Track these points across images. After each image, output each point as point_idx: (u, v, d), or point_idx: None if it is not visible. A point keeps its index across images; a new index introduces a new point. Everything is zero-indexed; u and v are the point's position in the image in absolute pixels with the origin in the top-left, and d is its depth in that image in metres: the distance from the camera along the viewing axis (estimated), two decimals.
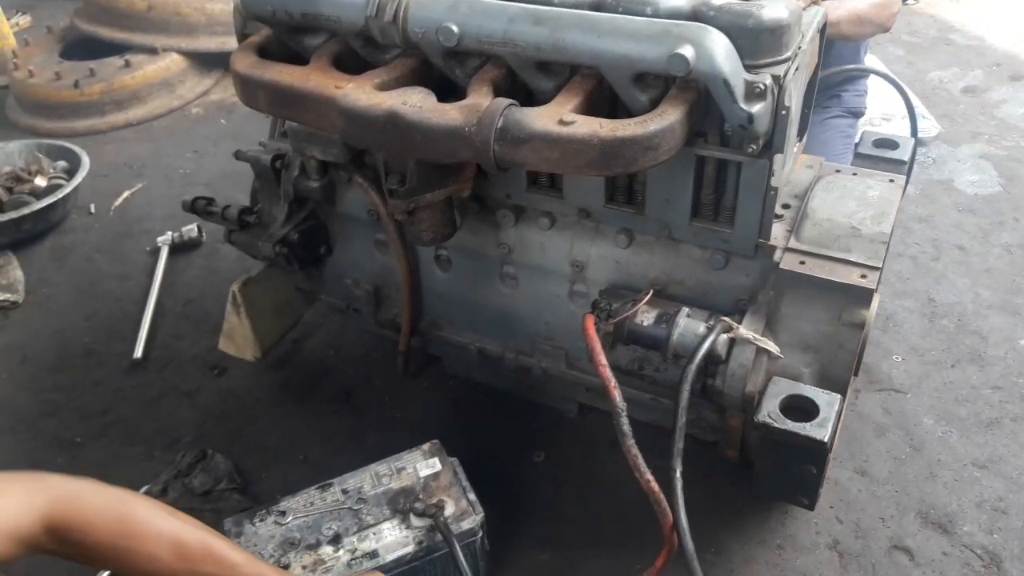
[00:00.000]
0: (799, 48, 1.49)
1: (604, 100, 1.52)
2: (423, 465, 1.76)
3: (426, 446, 1.80)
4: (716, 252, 1.70)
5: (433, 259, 2.04)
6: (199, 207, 2.08)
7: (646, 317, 1.61)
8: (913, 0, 4.14)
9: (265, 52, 1.74)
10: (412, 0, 1.53)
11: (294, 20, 1.66)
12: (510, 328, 2.03)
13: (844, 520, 1.91)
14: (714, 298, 1.73)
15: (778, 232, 1.65)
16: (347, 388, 2.37)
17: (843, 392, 1.54)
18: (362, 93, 1.52)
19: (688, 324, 1.59)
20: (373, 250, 2.09)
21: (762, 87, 1.38)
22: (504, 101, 1.43)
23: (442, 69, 1.60)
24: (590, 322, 1.56)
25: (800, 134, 1.83)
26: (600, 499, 1.98)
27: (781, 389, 1.48)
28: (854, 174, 1.77)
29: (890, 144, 2.03)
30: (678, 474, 1.42)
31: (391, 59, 1.65)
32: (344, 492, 1.72)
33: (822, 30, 1.70)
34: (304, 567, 1.59)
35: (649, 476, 1.39)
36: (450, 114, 1.44)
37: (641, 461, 1.40)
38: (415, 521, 1.65)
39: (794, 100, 1.54)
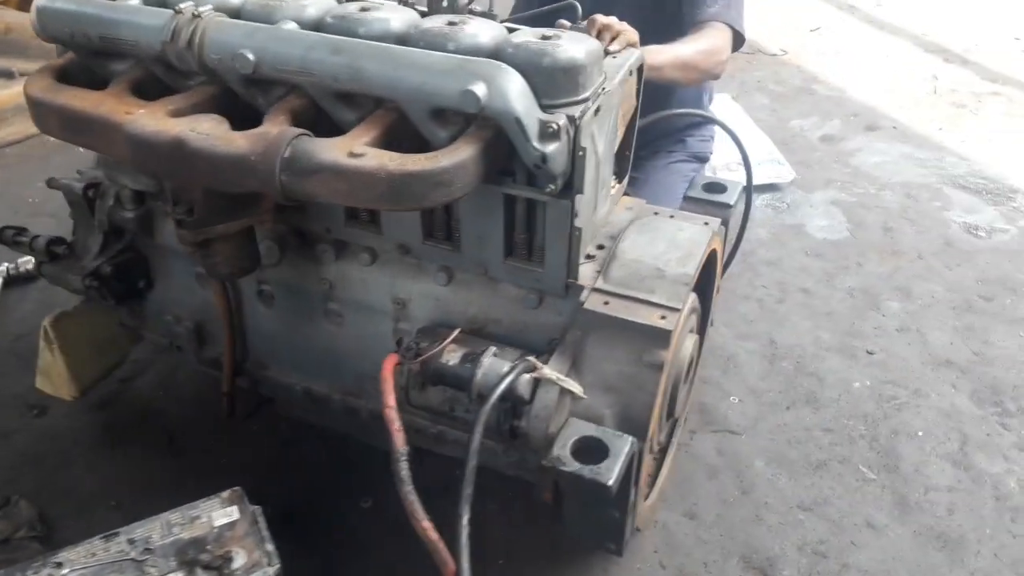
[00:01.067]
0: (601, 89, 1.49)
1: (409, 135, 1.49)
2: (219, 514, 1.65)
3: (225, 493, 1.69)
4: (530, 292, 1.68)
5: (256, 294, 1.96)
6: (6, 237, 1.96)
7: (452, 356, 1.57)
8: (781, 51, 4.31)
9: (67, 76, 1.66)
10: (209, 25, 1.48)
11: (93, 43, 1.59)
12: (336, 368, 1.96)
13: (667, 565, 1.89)
14: (529, 337, 1.71)
15: (588, 272, 1.63)
16: (172, 430, 2.24)
17: (642, 435, 1.53)
18: (151, 119, 1.45)
19: (493, 364, 1.55)
20: (194, 284, 2.00)
21: (555, 127, 1.37)
22: (294, 131, 1.38)
23: (244, 97, 1.55)
24: (389, 361, 1.51)
25: (620, 176, 1.84)
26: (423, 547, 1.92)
27: (574, 431, 1.45)
28: (671, 216, 1.78)
29: (718, 188, 2.07)
30: (464, 521, 1.37)
31: (194, 86, 1.59)
32: (130, 542, 1.60)
33: (639, 72, 1.72)
34: None
35: (426, 524, 1.34)
36: (237, 142, 1.38)
37: (418, 508, 1.34)
38: (200, 573, 1.55)
39: (599, 142, 1.55)
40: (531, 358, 1.55)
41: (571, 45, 1.41)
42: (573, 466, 1.38)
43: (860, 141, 3.50)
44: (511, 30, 1.61)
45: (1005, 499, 2.05)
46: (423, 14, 1.62)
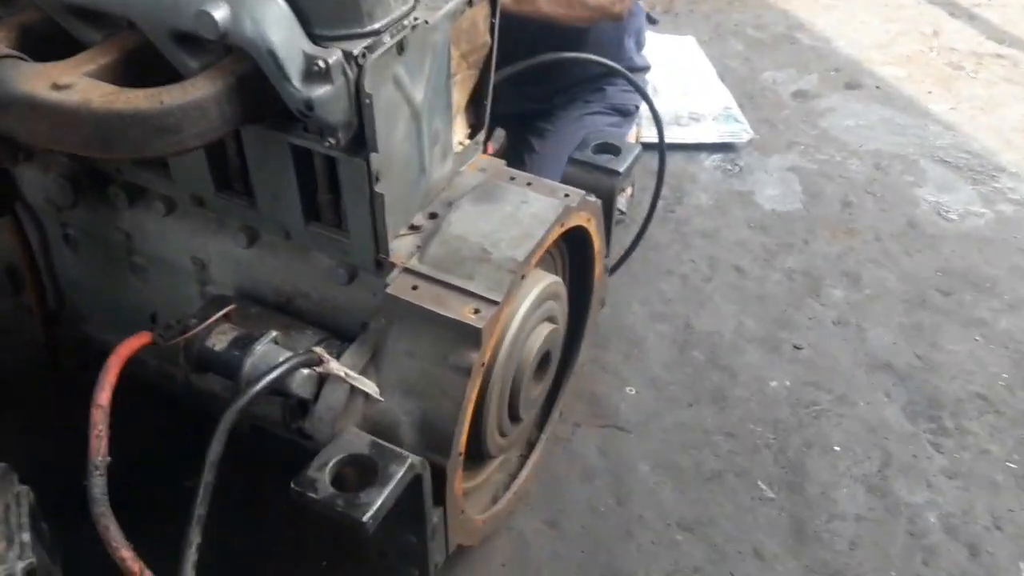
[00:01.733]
0: (410, 22, 1.18)
1: (164, 64, 1.19)
2: None
3: None
4: (340, 264, 1.39)
5: (62, 238, 1.69)
6: None
7: (220, 339, 1.30)
8: None
9: None
10: None
11: None
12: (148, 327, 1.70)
13: None
14: (340, 318, 1.43)
15: (406, 247, 1.35)
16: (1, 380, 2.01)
17: (443, 449, 1.26)
18: None
19: (267, 352, 1.28)
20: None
21: (322, 65, 1.07)
22: None
23: None
24: (133, 342, 1.24)
25: (476, 129, 1.53)
26: (262, 531, 1.69)
27: (342, 446, 1.18)
28: (528, 184, 1.48)
29: (610, 149, 1.75)
30: (193, 548, 1.12)
31: None
32: None
33: (491, 4, 1.40)
34: None
35: (125, 553, 1.09)
36: None
37: (114, 533, 1.09)
38: None
39: (414, 88, 1.24)
40: (318, 348, 1.27)
41: None
42: (325, 493, 1.11)
43: (836, 100, 3.12)
44: None
45: (920, 536, 1.77)
46: None
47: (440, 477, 1.28)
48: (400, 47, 1.18)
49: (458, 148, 1.49)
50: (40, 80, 1.06)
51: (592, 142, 1.75)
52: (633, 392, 2.04)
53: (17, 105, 1.05)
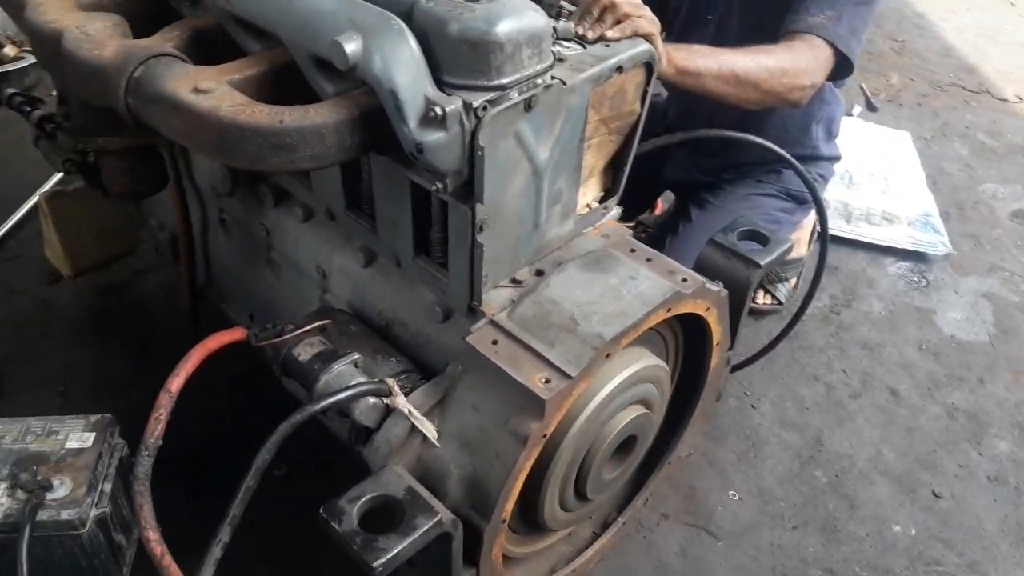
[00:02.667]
0: (543, 80, 1.16)
1: (305, 86, 1.25)
2: (76, 436, 1.56)
3: (95, 418, 1.60)
4: (439, 302, 1.40)
5: (219, 221, 1.83)
6: (14, 103, 1.94)
7: (306, 350, 1.34)
8: (1016, 98, 3.51)
9: None
10: None
11: None
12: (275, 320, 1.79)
13: None
14: (429, 354, 1.44)
15: (500, 299, 1.33)
16: (150, 334, 2.20)
17: (484, 512, 1.23)
18: (52, 7, 1.31)
19: (343, 373, 1.30)
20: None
21: (438, 112, 1.07)
22: (155, 49, 1.18)
23: (171, 3, 1.38)
24: (223, 335, 1.31)
25: (609, 194, 1.49)
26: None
27: (380, 484, 1.17)
28: (647, 259, 1.41)
29: (759, 238, 1.64)
30: (220, 545, 1.15)
31: None
32: None
33: (647, 72, 1.36)
34: None
35: (152, 534, 1.13)
36: (106, 51, 1.21)
37: (147, 513, 1.14)
38: (18, 493, 1.45)
39: (538, 146, 1.23)
40: (390, 380, 1.28)
41: (490, 14, 1.09)
42: (347, 528, 1.11)
43: None
44: None
45: None
46: None
47: (476, 539, 1.24)
48: (528, 105, 1.16)
49: (583, 210, 1.45)
50: (185, 81, 1.14)
51: (739, 227, 1.65)
52: (736, 497, 1.90)
53: (161, 101, 1.14)
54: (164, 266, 2.38)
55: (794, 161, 1.69)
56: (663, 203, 2.79)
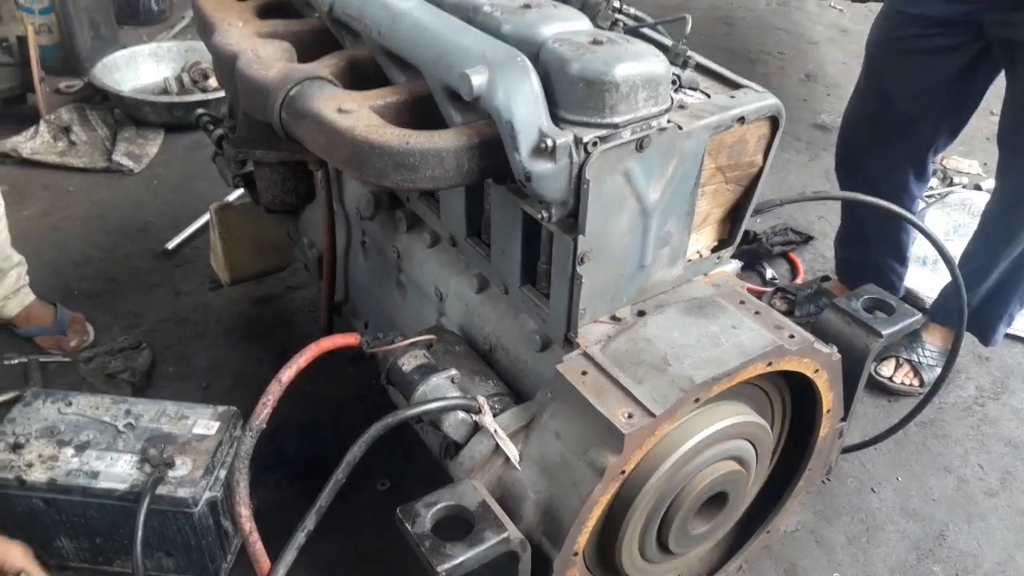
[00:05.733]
0: (653, 123, 1.20)
1: (439, 116, 1.35)
2: (203, 424, 1.70)
3: (221, 408, 1.74)
4: (539, 331, 1.44)
5: (360, 243, 1.96)
6: (201, 122, 2.18)
7: (410, 361, 1.41)
8: None
9: None
10: None
11: None
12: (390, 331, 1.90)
13: None
14: (526, 381, 1.49)
15: (596, 334, 1.35)
16: (288, 346, 2.36)
17: (555, 539, 1.24)
18: (235, 34, 1.49)
19: (439, 386, 1.37)
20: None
21: (548, 144, 1.13)
22: (311, 72, 1.32)
23: (335, 34, 1.53)
24: (337, 338, 1.40)
25: (725, 243, 1.49)
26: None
27: (455, 494, 1.21)
28: (756, 312, 1.40)
29: (885, 307, 1.58)
30: (304, 532, 1.22)
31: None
32: (127, 412, 1.71)
33: (772, 126, 1.37)
34: (40, 456, 1.62)
35: (243, 511, 1.22)
36: (271, 71, 1.36)
37: (243, 489, 1.22)
38: (146, 467, 1.60)
39: (649, 186, 1.26)
40: (481, 398, 1.33)
41: (610, 56, 1.15)
42: (419, 530, 1.16)
43: None
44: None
45: None
46: None
47: (545, 566, 1.25)
48: (639, 144, 1.20)
49: (694, 256, 1.46)
50: (332, 102, 1.26)
51: (865, 294, 1.60)
52: None
53: (309, 117, 1.27)
54: (312, 284, 2.56)
55: (921, 225, 1.63)
56: (804, 271, 2.72)
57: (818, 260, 2.81)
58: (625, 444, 1.19)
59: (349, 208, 1.94)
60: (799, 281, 2.69)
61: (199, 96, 3.35)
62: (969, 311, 1.83)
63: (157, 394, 2.20)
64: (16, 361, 2.26)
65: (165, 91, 3.59)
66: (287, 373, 1.30)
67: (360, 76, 1.44)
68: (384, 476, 1.97)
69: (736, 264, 1.56)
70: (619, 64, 1.14)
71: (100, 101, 3.51)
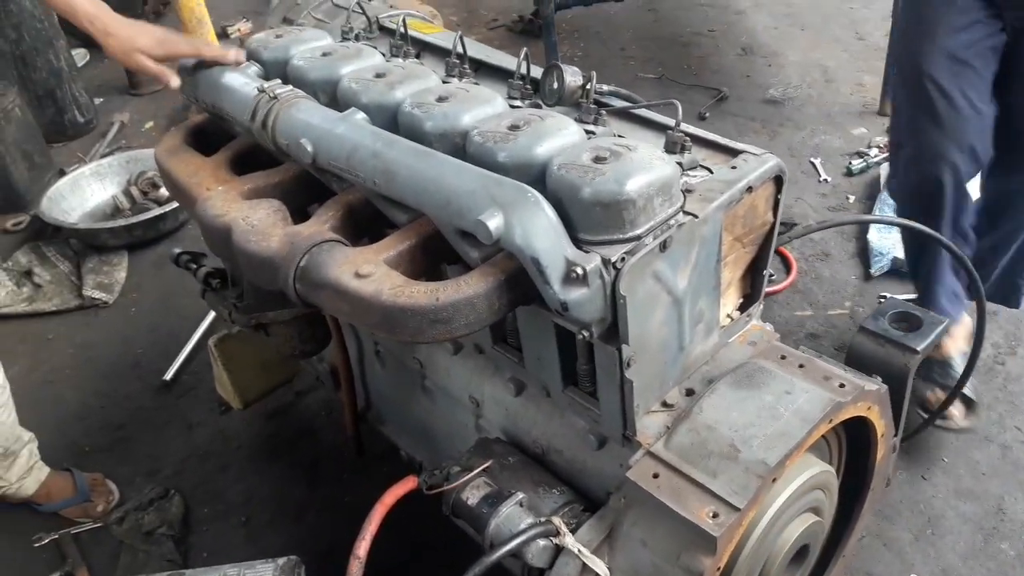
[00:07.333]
0: (672, 222, 1.20)
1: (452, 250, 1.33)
2: None
3: (282, 561, 1.72)
4: (592, 431, 1.44)
5: (374, 353, 1.94)
6: (180, 261, 2.13)
7: (474, 493, 1.40)
8: None
9: (202, 133, 1.74)
10: (281, 109, 1.44)
11: (212, 110, 1.64)
12: (432, 444, 1.89)
13: None
14: (588, 481, 1.48)
15: (655, 426, 1.35)
16: (318, 455, 2.34)
17: None
18: (218, 202, 1.45)
19: (511, 515, 1.35)
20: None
21: (580, 272, 1.13)
22: (317, 238, 1.29)
23: (320, 179, 1.50)
24: (398, 488, 1.39)
25: (750, 300, 1.49)
26: None
27: None
28: (800, 366, 1.40)
29: (911, 320, 1.60)
30: None
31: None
32: None
33: (776, 184, 1.37)
34: None
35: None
36: (272, 241, 1.33)
37: None
38: None
39: (676, 278, 1.26)
40: (556, 519, 1.33)
41: (619, 174, 1.14)
42: None
43: None
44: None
45: None
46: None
47: None
48: (663, 246, 1.20)
49: (725, 321, 1.47)
50: (347, 267, 1.24)
51: (889, 310, 1.62)
52: None
53: (327, 288, 1.24)
54: (321, 387, 2.53)
55: (951, 246, 1.66)
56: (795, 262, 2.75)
57: (807, 244, 2.84)
58: (718, 545, 1.19)
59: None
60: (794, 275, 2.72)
61: (156, 210, 3.27)
62: (991, 281, 1.86)
63: (198, 541, 2.16)
64: (47, 540, 2.20)
65: (117, 209, 3.51)
66: (363, 546, 1.28)
67: (359, 220, 1.42)
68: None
69: (759, 307, 1.57)
70: (630, 180, 1.14)
71: (53, 234, 3.42)
